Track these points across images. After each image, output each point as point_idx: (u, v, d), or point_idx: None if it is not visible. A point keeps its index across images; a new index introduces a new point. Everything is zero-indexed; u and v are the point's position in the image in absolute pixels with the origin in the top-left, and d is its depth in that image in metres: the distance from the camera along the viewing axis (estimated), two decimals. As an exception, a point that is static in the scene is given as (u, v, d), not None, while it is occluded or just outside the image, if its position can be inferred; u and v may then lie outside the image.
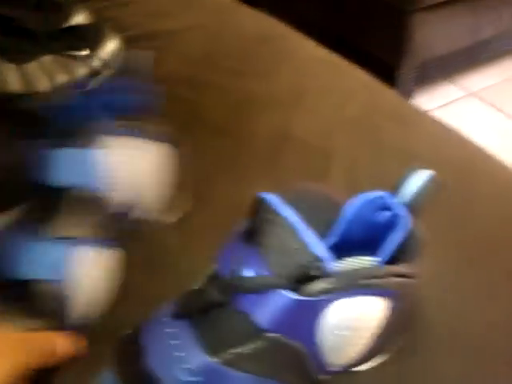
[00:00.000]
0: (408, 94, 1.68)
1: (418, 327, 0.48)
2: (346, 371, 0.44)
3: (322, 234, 0.42)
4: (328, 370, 0.41)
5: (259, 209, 0.38)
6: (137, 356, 0.39)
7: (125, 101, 0.50)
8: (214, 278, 0.39)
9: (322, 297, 0.36)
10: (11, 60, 0.68)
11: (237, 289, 0.37)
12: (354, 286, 0.37)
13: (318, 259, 0.36)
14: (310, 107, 0.75)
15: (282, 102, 0.75)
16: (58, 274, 0.43)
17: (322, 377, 0.41)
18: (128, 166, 0.48)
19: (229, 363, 0.37)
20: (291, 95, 0.76)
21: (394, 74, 1.61)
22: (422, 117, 0.79)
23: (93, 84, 0.73)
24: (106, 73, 0.74)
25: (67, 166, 0.45)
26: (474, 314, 0.51)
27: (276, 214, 0.37)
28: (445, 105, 1.75)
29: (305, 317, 0.37)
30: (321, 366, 0.40)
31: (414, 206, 0.41)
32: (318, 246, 0.37)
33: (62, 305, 0.43)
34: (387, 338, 0.43)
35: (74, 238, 0.44)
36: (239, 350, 0.37)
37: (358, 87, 0.80)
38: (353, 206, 0.43)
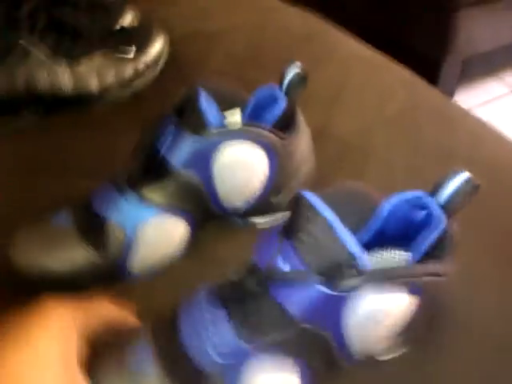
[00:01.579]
0: (451, 90, 1.67)
1: (444, 321, 0.49)
2: (370, 360, 0.46)
3: (357, 229, 0.43)
4: (353, 358, 0.43)
5: (298, 205, 0.40)
6: (173, 336, 0.42)
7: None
8: (252, 270, 0.41)
9: (353, 292, 0.38)
10: (62, 60, 0.71)
11: (272, 281, 0.40)
12: (385, 283, 0.39)
13: (352, 257, 0.38)
14: (350, 105, 0.76)
15: (323, 99, 0.76)
16: (134, 228, 0.51)
17: (347, 364, 0.44)
18: (241, 169, 0.54)
19: (260, 348, 0.40)
20: (332, 92, 0.77)
21: (437, 70, 1.60)
22: (463, 116, 0.79)
23: (138, 85, 0.76)
24: (151, 73, 0.77)
25: (190, 153, 0.51)
26: (504, 311, 0.52)
27: (314, 211, 0.39)
28: (488, 101, 1.73)
29: (335, 309, 0.39)
30: (346, 354, 0.42)
31: (449, 208, 0.42)
32: (353, 244, 0.38)
33: (127, 251, 0.52)
34: (413, 331, 0.44)
35: (158, 206, 0.52)
36: (271, 337, 0.40)
37: (398, 85, 0.80)
38: (389, 203, 0.44)
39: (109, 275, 0.52)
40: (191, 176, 0.52)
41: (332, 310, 0.40)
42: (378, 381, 0.47)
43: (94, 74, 0.72)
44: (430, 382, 0.48)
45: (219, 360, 0.40)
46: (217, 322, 0.41)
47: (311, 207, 0.40)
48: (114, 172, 0.54)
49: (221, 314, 0.41)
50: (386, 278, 0.39)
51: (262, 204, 0.57)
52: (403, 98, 0.78)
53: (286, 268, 0.39)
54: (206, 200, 0.54)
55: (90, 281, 0.52)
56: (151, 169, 0.52)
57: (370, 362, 0.46)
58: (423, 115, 0.76)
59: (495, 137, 0.75)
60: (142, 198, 0.52)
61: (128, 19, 0.82)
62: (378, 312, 0.40)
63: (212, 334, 0.40)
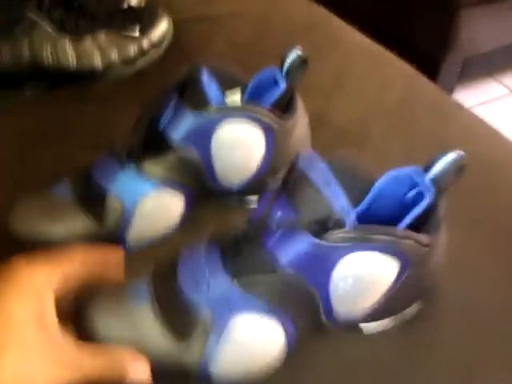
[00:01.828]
0: (450, 88, 1.68)
1: (431, 301, 0.51)
2: (354, 327, 0.48)
3: (353, 201, 0.45)
4: (336, 318, 0.45)
5: (296, 164, 0.43)
6: (171, 279, 0.44)
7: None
8: (249, 220, 0.44)
9: (341, 245, 0.40)
10: (68, 35, 0.72)
11: (265, 226, 0.42)
12: (371, 239, 0.41)
13: (341, 212, 0.40)
14: (350, 94, 0.77)
15: (323, 87, 0.77)
16: (133, 201, 0.53)
17: (329, 325, 0.45)
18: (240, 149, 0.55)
19: (247, 288, 0.42)
20: (332, 81, 0.79)
21: (437, 68, 1.61)
22: (459, 110, 0.81)
23: (141, 64, 0.77)
24: (155, 53, 0.79)
25: (190, 130, 0.52)
26: (489, 293, 0.53)
27: (310, 166, 0.42)
28: (486, 102, 1.75)
29: (321, 262, 0.41)
30: (329, 313, 0.44)
31: (440, 184, 0.44)
32: (343, 202, 0.41)
33: (125, 223, 0.53)
34: (397, 301, 0.46)
35: (157, 180, 0.53)
36: (262, 284, 0.42)
37: (397, 77, 0.82)
38: (383, 180, 0.46)
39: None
40: (190, 152, 0.53)
41: (318, 262, 0.42)
42: (362, 352, 0.48)
43: (98, 50, 0.73)
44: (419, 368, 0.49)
45: (212, 305, 0.42)
46: (213, 267, 0.43)
47: (308, 162, 0.42)
48: (114, 145, 0.55)
49: (217, 260, 0.43)
50: (372, 233, 0.41)
51: (258, 184, 0.58)
52: (402, 90, 0.79)
53: (279, 218, 0.41)
54: (204, 176, 0.55)
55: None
56: (151, 143, 0.53)
57: (356, 332, 0.48)
58: (421, 107, 0.77)
59: (490, 132, 0.75)
60: (141, 172, 0.53)
61: (135, 0, 0.83)
62: (363, 269, 0.42)
63: (207, 279, 0.43)
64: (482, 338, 0.50)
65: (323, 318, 0.44)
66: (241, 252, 0.43)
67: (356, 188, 0.44)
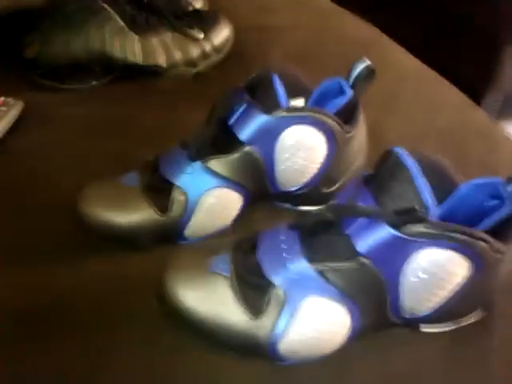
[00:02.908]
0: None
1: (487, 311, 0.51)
2: (415, 326, 0.48)
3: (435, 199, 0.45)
4: (400, 314, 0.46)
5: (385, 157, 0.44)
6: (251, 250, 0.47)
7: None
8: (331, 206, 0.46)
9: (419, 239, 0.41)
10: (137, 32, 0.75)
11: (347, 211, 0.44)
12: (449, 236, 0.42)
13: (424, 206, 0.41)
14: (401, 114, 0.78)
15: (376, 105, 0.78)
16: (197, 194, 0.54)
17: (393, 319, 0.46)
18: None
19: (322, 273, 0.44)
20: (385, 100, 0.80)
21: (477, 103, 1.61)
22: (508, 139, 0.81)
23: (202, 66, 0.79)
24: (216, 57, 0.81)
25: (258, 130, 0.54)
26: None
27: (399, 162, 0.43)
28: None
29: (397, 254, 0.42)
30: (395, 307, 0.45)
31: None
32: (428, 197, 0.42)
33: (187, 214, 0.54)
34: (460, 306, 0.47)
35: (221, 177, 0.55)
36: (334, 264, 0.44)
37: (449, 101, 0.83)
38: (466, 185, 0.46)
39: (166, 236, 0.55)
40: (255, 152, 0.54)
41: (395, 255, 0.43)
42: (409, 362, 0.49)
43: (163, 49, 0.75)
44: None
45: (287, 285, 0.44)
46: (292, 251, 0.45)
47: (398, 158, 0.43)
48: (185, 140, 0.56)
49: (296, 244, 0.45)
50: (451, 231, 0.41)
51: (314, 193, 0.59)
52: (453, 115, 0.80)
53: (362, 206, 0.43)
54: (264, 178, 0.56)
55: (149, 240, 0.55)
56: (219, 140, 0.55)
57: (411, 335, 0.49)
58: (471, 134, 0.78)
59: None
60: (207, 168, 0.54)
61: (198, 5, 0.86)
62: (436, 269, 0.43)
63: (284, 252, 0.45)
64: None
65: (388, 312, 0.45)
66: (320, 238, 0.45)
67: (439, 188, 0.45)
